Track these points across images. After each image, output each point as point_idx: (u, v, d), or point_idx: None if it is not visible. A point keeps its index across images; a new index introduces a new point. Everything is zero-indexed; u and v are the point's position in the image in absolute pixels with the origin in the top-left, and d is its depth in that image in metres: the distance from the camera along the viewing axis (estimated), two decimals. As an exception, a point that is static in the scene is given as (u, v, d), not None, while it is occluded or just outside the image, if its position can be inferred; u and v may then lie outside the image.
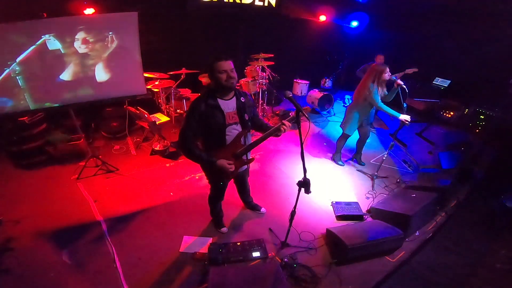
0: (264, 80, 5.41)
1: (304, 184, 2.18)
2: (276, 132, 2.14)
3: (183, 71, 4.78)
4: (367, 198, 3.51)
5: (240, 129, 2.21)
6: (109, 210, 3.15)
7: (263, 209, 3.18)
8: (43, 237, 2.78)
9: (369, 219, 3.15)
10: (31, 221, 2.96)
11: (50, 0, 3.78)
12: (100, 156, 3.92)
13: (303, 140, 2.04)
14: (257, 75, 5.30)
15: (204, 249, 2.61)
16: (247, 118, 2.23)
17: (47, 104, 3.45)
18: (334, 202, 3.34)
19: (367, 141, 4.11)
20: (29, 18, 3.04)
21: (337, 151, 4.21)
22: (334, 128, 5.44)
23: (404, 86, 3.26)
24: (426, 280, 2.60)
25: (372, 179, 3.83)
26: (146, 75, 4.17)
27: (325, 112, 6.18)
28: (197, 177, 3.79)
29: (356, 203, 3.37)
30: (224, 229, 2.90)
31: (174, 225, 2.97)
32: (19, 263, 2.47)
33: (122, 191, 3.48)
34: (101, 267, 2.47)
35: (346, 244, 2.46)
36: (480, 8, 4.94)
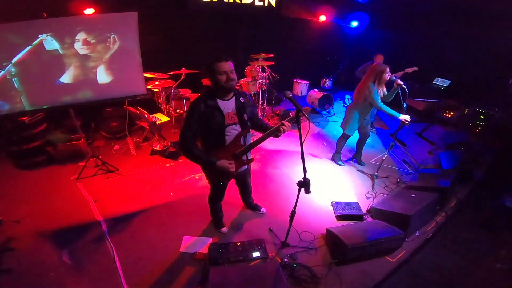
0: (264, 80, 5.41)
1: (304, 184, 2.18)
2: (276, 133, 2.12)
3: (183, 71, 4.78)
4: (367, 198, 3.51)
5: (240, 129, 2.21)
6: (109, 210, 3.15)
7: (263, 209, 3.18)
8: (43, 237, 2.78)
9: (369, 219, 3.15)
10: (31, 221, 2.96)
11: (50, 0, 3.77)
12: (100, 156, 3.92)
13: (303, 140, 2.04)
14: (257, 75, 5.30)
15: (204, 249, 2.61)
16: (246, 118, 2.23)
17: (45, 106, 3.37)
18: (334, 202, 3.34)
19: (367, 141, 4.11)
20: (29, 18, 2.98)
21: (337, 151, 4.21)
22: (334, 128, 5.45)
23: (404, 86, 3.26)
24: (426, 280, 2.60)
25: (372, 179, 3.83)
26: (146, 75, 4.17)
27: (325, 112, 6.18)
28: (197, 177, 3.80)
29: (356, 203, 3.37)
30: (224, 229, 2.90)
31: (174, 225, 2.97)
32: (19, 263, 2.47)
33: (122, 191, 3.48)
34: (101, 267, 2.47)
35: (346, 244, 2.46)
36: (479, 8, 4.94)
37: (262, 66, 5.28)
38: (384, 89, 3.48)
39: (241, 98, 2.21)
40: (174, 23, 5.18)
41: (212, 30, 5.67)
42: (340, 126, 3.96)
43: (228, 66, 2.00)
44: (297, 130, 2.07)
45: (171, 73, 4.72)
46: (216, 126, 2.11)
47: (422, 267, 2.70)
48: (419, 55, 5.93)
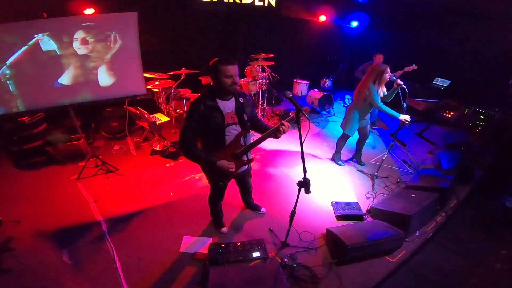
0: (264, 80, 5.41)
1: (304, 184, 2.18)
2: (276, 133, 2.11)
3: (183, 71, 4.78)
4: (367, 198, 3.51)
5: (240, 130, 2.21)
6: (109, 210, 3.15)
7: (263, 209, 3.18)
8: (43, 237, 2.78)
9: (369, 219, 3.15)
10: (31, 221, 2.96)
11: (49, 0, 3.77)
12: (100, 156, 3.93)
13: (303, 140, 2.04)
14: (257, 75, 5.30)
15: (204, 249, 2.61)
16: (246, 119, 2.22)
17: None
18: (334, 202, 3.34)
19: (367, 141, 4.11)
20: (29, 18, 2.92)
21: (337, 151, 4.21)
22: (334, 128, 5.45)
23: (404, 86, 3.25)
24: (426, 280, 2.60)
25: (372, 179, 3.83)
26: (146, 75, 4.17)
27: (325, 112, 6.18)
28: (197, 177, 3.80)
29: (356, 203, 3.37)
30: (224, 229, 2.90)
31: (174, 225, 2.97)
32: (19, 263, 2.47)
33: (122, 191, 3.48)
34: (101, 267, 2.47)
35: (346, 244, 2.46)
36: (480, 8, 4.94)
37: (262, 66, 5.28)
38: (384, 89, 3.48)
39: (240, 98, 2.21)
40: (174, 23, 5.19)
41: (212, 30, 5.67)
42: (340, 126, 3.96)
43: (234, 69, 2.00)
44: (297, 130, 2.06)
45: (171, 73, 4.72)
46: (216, 126, 2.11)
47: (422, 267, 2.70)
48: (419, 55, 5.92)
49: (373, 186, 3.72)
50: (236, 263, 2.51)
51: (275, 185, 3.71)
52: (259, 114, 5.64)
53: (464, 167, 3.76)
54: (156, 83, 4.59)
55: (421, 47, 6.08)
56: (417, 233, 2.93)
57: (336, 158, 4.24)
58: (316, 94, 5.91)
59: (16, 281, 2.33)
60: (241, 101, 2.20)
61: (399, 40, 6.34)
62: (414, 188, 3.49)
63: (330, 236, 2.73)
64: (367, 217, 3.18)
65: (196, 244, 2.71)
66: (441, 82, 5.75)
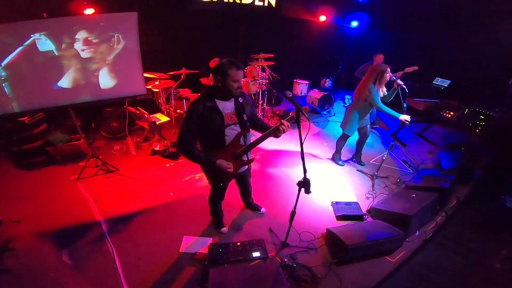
0: (264, 80, 5.41)
1: (304, 184, 2.18)
2: (275, 132, 2.11)
3: (183, 71, 4.78)
4: (367, 198, 3.51)
5: (239, 130, 2.21)
6: (109, 210, 3.15)
7: (263, 209, 3.18)
8: (43, 237, 2.78)
9: (369, 219, 3.15)
10: (31, 221, 2.96)
11: (49, 0, 3.77)
12: (100, 156, 3.93)
13: (303, 140, 2.04)
14: (257, 75, 5.30)
15: (204, 249, 2.61)
16: (245, 119, 2.22)
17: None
18: (334, 202, 3.34)
19: (367, 141, 4.11)
20: (29, 19, 2.86)
21: (337, 151, 4.21)
22: (334, 128, 5.45)
23: (404, 86, 3.25)
24: (426, 280, 2.60)
25: (372, 179, 3.83)
26: (146, 75, 4.17)
27: (325, 112, 6.18)
28: (197, 177, 3.79)
29: (356, 203, 3.37)
30: (224, 229, 2.90)
31: (174, 225, 2.97)
32: (19, 263, 2.47)
33: (122, 191, 3.48)
34: (101, 267, 2.47)
35: (346, 244, 2.46)
36: (480, 9, 4.94)
37: (262, 66, 5.28)
38: (384, 89, 3.48)
39: (239, 98, 2.21)
40: (174, 23, 5.19)
41: (212, 30, 5.67)
42: (340, 126, 3.96)
43: (241, 74, 2.02)
44: (297, 130, 2.06)
45: (171, 73, 4.72)
46: (215, 127, 2.10)
47: (422, 267, 2.70)
48: (419, 55, 5.93)
49: (373, 186, 3.72)
50: (236, 263, 2.51)
51: (275, 185, 3.70)
52: (259, 114, 5.64)
53: (464, 167, 3.76)
54: (156, 83, 4.59)
55: (421, 47, 6.08)
56: (417, 233, 2.93)
57: (336, 158, 4.24)
58: (316, 94, 5.91)
59: (16, 281, 2.33)
60: (240, 101, 2.20)
61: (399, 40, 6.34)
62: (414, 188, 3.49)
63: (330, 236, 2.73)
64: (367, 217, 3.18)
65: (196, 244, 2.71)
66: (441, 82, 5.74)
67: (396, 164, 4.31)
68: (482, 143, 4.72)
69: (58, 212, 3.09)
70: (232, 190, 2.91)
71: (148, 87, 4.57)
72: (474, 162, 4.10)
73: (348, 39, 7.53)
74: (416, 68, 4.86)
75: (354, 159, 4.30)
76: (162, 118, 4.57)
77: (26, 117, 3.79)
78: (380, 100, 3.43)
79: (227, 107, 2.14)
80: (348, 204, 3.33)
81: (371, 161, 4.34)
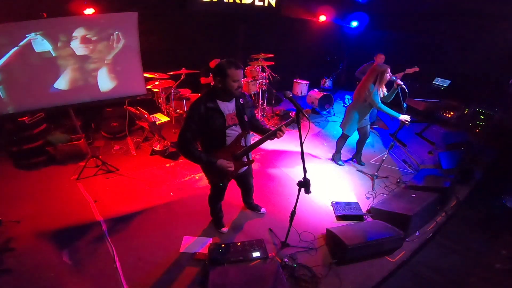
0: (264, 80, 5.41)
1: (304, 184, 2.18)
2: (272, 136, 2.15)
3: (183, 71, 4.78)
4: (367, 198, 3.51)
5: (240, 130, 2.21)
6: (109, 210, 3.15)
7: (263, 209, 3.18)
8: (43, 237, 2.78)
9: (369, 219, 3.15)
10: (31, 221, 2.96)
11: (49, 0, 3.77)
12: (100, 156, 3.93)
13: (303, 141, 2.04)
14: (257, 75, 5.30)
15: (204, 249, 2.61)
16: (246, 119, 2.23)
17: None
18: (334, 202, 3.34)
19: (368, 141, 4.10)
20: (29, 18, 2.81)
21: (337, 151, 4.21)
22: (334, 128, 5.45)
23: (404, 86, 3.25)
24: (426, 280, 2.60)
25: (372, 179, 3.83)
26: (146, 75, 4.17)
27: (325, 112, 6.18)
28: (197, 177, 3.79)
29: (356, 203, 3.36)
30: (224, 229, 2.90)
31: (174, 225, 2.97)
32: (19, 263, 2.47)
33: (122, 191, 3.48)
34: (101, 267, 2.47)
35: (346, 244, 2.46)
36: (480, 9, 4.94)
37: (262, 66, 5.28)
38: (384, 89, 3.48)
39: (240, 99, 2.21)
40: (174, 23, 5.19)
41: (212, 30, 5.67)
42: (340, 126, 3.96)
43: (241, 74, 2.02)
44: (297, 130, 2.07)
45: (171, 73, 4.72)
46: (217, 128, 2.11)
47: (422, 267, 2.70)
48: (419, 55, 5.93)
49: (373, 186, 3.72)
50: (236, 263, 2.51)
51: (275, 185, 3.70)
52: (259, 114, 5.64)
53: (464, 167, 3.76)
54: (156, 83, 4.59)
55: (421, 47, 6.08)
56: (417, 233, 2.93)
57: (336, 158, 4.24)
58: (316, 94, 5.91)
59: (16, 281, 2.33)
60: (241, 102, 2.21)
61: (399, 40, 6.34)
62: (414, 188, 3.49)
63: (330, 236, 2.73)
64: (367, 217, 3.18)
65: (196, 244, 2.71)
66: (441, 82, 5.74)
67: (396, 164, 4.31)
68: (482, 143, 4.71)
69: (58, 212, 3.09)
70: (232, 190, 2.91)
71: (148, 87, 4.57)
72: (474, 162, 4.10)
73: (348, 39, 7.53)
74: (417, 69, 4.86)
75: (354, 159, 4.30)
76: (162, 118, 4.57)
77: (26, 117, 3.79)
78: (380, 100, 3.42)
79: (228, 108, 2.14)
80: (348, 204, 3.33)
81: (371, 161, 4.34)
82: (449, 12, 5.45)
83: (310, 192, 2.20)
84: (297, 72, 6.89)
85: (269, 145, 4.60)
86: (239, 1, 5.47)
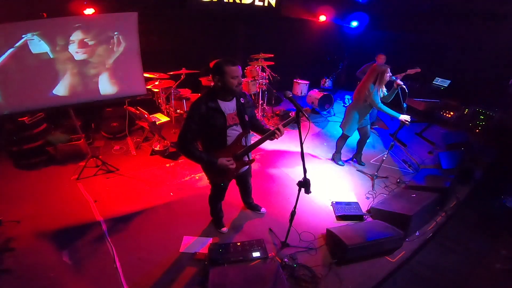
0: (264, 80, 5.41)
1: (304, 184, 2.18)
2: (271, 136, 2.15)
3: (183, 71, 4.78)
4: (367, 198, 3.51)
5: (241, 130, 2.21)
6: (109, 210, 3.15)
7: (263, 209, 3.18)
8: (43, 237, 2.78)
9: (369, 219, 3.15)
10: (31, 221, 2.96)
11: (48, 0, 3.77)
12: (100, 156, 3.92)
13: (303, 141, 2.04)
14: (257, 75, 5.30)
15: (204, 249, 2.61)
16: (247, 119, 2.23)
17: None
18: (334, 202, 3.34)
19: (368, 141, 4.10)
20: (29, 18, 2.75)
21: (337, 151, 4.21)
22: (334, 128, 5.44)
23: (404, 86, 3.25)
24: (426, 280, 2.60)
25: (372, 179, 3.83)
26: (146, 75, 4.17)
27: (325, 112, 6.18)
28: (197, 177, 3.79)
29: (356, 203, 3.36)
30: (224, 229, 2.90)
31: (174, 225, 2.97)
32: (19, 263, 2.47)
33: (122, 191, 3.48)
34: (101, 267, 2.47)
35: (346, 244, 2.46)
36: (480, 9, 4.94)
37: (262, 66, 5.28)
38: (384, 89, 3.48)
39: (241, 98, 2.21)
40: (174, 23, 5.19)
41: (212, 30, 5.67)
42: (340, 126, 3.96)
43: (239, 70, 2.02)
44: (297, 130, 2.07)
45: (171, 73, 4.71)
46: (217, 128, 2.11)
47: (422, 267, 2.70)
48: (419, 55, 5.93)
49: (373, 186, 3.72)
50: (236, 263, 2.51)
51: (275, 185, 3.70)
52: (259, 114, 5.64)
53: (464, 167, 3.76)
54: (156, 83, 4.59)
55: (421, 47, 6.08)
56: (417, 233, 2.93)
57: (336, 158, 4.24)
58: (316, 94, 5.91)
59: (16, 281, 2.33)
60: (242, 101, 2.21)
61: (399, 40, 6.34)
62: (414, 188, 3.49)
63: (330, 236, 2.73)
64: (367, 217, 3.18)
65: (196, 244, 2.71)
66: (441, 82, 5.74)
67: (396, 164, 4.31)
68: (482, 143, 4.72)
69: (58, 212, 3.09)
70: (232, 190, 2.91)
71: (148, 87, 4.57)
72: (474, 162, 4.10)
73: (348, 39, 7.53)
74: (418, 70, 4.83)
75: (354, 159, 4.30)
76: (162, 118, 4.57)
77: (26, 117, 3.79)
78: (380, 100, 3.43)
79: (229, 107, 2.14)
80: (348, 204, 3.33)
81: (371, 161, 4.34)
82: (449, 12, 5.45)
83: (310, 192, 2.20)
84: (297, 72, 6.89)
85: (269, 145, 4.60)
86: (239, 1, 5.47)
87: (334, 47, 7.64)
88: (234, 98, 2.18)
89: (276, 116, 5.79)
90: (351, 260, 2.57)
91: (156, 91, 4.98)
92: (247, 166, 2.52)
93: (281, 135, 2.13)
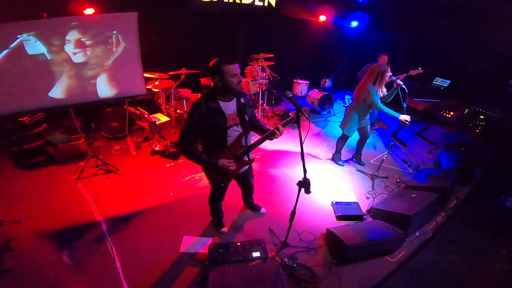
0: (264, 80, 5.41)
1: (304, 184, 2.18)
2: (270, 136, 2.15)
3: (183, 71, 4.77)
4: (367, 198, 3.51)
5: (241, 130, 2.21)
6: (109, 210, 3.15)
7: (263, 209, 3.18)
8: (43, 237, 2.78)
9: (369, 219, 3.15)
10: (31, 221, 2.96)
11: (48, 0, 3.77)
12: (100, 156, 3.93)
13: (303, 141, 2.04)
14: (257, 75, 5.30)
15: (204, 249, 2.61)
16: (247, 119, 2.23)
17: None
18: (334, 202, 3.34)
19: (369, 141, 4.10)
20: (29, 19, 2.72)
21: (337, 151, 4.21)
22: (334, 128, 5.45)
23: (404, 86, 3.25)
24: (426, 280, 2.60)
25: (372, 179, 3.83)
26: (146, 75, 4.17)
27: (325, 112, 6.18)
28: (197, 177, 3.79)
29: (356, 203, 3.36)
30: (224, 229, 2.90)
31: (174, 225, 2.97)
32: (19, 263, 2.48)
33: (122, 191, 3.48)
34: (101, 267, 2.47)
35: (346, 244, 2.46)
36: (480, 9, 4.94)
37: (262, 66, 5.28)
38: (384, 89, 3.48)
39: (241, 98, 2.21)
40: (174, 23, 5.19)
41: (212, 30, 5.67)
42: (340, 126, 3.96)
43: (237, 68, 2.02)
44: (297, 130, 2.07)
45: (171, 73, 4.71)
46: (218, 128, 2.10)
47: (422, 267, 2.70)
48: (419, 55, 5.94)
49: (373, 186, 3.72)
50: (236, 263, 2.51)
51: (275, 185, 3.70)
52: (259, 114, 5.64)
53: (464, 167, 3.76)
54: (156, 83, 4.59)
55: (421, 47, 6.08)
56: (417, 233, 2.93)
57: (336, 158, 4.24)
58: (316, 94, 5.91)
59: (16, 281, 2.33)
60: (242, 101, 2.21)
61: (399, 40, 6.34)
62: (414, 188, 3.49)
63: (330, 236, 2.73)
64: (367, 217, 3.18)
65: (196, 244, 2.71)
66: (441, 82, 5.74)
67: (396, 164, 4.31)
68: (482, 143, 4.71)
69: (58, 212, 3.09)
70: (232, 190, 2.91)
71: (148, 87, 4.57)
72: (474, 162, 4.10)
73: (348, 39, 7.53)
74: (421, 71, 4.79)
75: (354, 159, 4.30)
76: (162, 118, 4.57)
77: (26, 117, 3.79)
78: (380, 101, 3.42)
79: (229, 108, 2.14)
80: (348, 204, 3.33)
81: (371, 161, 4.34)
82: (449, 12, 5.45)
83: (310, 192, 2.20)
84: (297, 72, 6.89)
85: (269, 145, 4.60)
86: (239, 1, 5.47)
87: (334, 47, 7.64)
88: (235, 98, 2.18)
89: (276, 116, 5.79)
90: (351, 260, 2.57)
91: (156, 91, 4.98)
92: (247, 166, 2.51)
93: (280, 135, 2.13)
